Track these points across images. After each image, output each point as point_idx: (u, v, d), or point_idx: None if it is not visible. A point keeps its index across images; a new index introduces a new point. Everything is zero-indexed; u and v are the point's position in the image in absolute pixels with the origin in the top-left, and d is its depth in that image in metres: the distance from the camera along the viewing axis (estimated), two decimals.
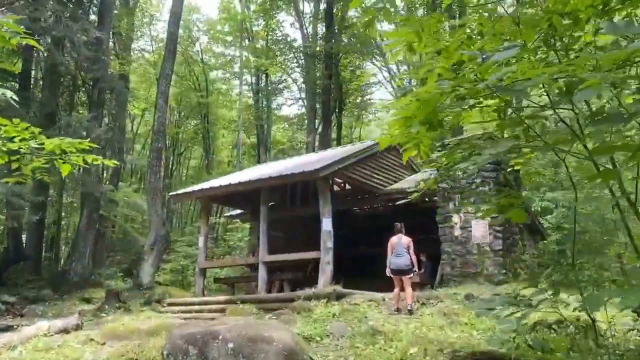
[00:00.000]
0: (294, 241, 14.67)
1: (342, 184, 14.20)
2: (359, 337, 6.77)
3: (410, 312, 9.04)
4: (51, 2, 15.85)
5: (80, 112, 19.53)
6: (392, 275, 9.49)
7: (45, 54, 17.42)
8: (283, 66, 31.91)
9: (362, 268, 13.73)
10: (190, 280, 21.82)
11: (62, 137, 3.76)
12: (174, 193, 13.24)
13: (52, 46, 15.74)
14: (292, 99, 35.09)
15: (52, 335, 9.92)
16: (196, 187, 12.75)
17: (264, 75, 33.98)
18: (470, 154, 4.89)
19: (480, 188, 10.98)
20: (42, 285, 17.34)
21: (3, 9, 15.10)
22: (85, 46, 16.38)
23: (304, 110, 34.65)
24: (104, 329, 10.40)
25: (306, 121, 33.70)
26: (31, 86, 18.28)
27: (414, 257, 9.41)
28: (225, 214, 18.62)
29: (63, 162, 3.75)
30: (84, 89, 20.94)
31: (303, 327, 7.81)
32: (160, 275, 21.56)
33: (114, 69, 23.28)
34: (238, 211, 15.78)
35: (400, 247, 9.53)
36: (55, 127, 16.10)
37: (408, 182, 12.93)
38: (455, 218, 11.21)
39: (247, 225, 22.09)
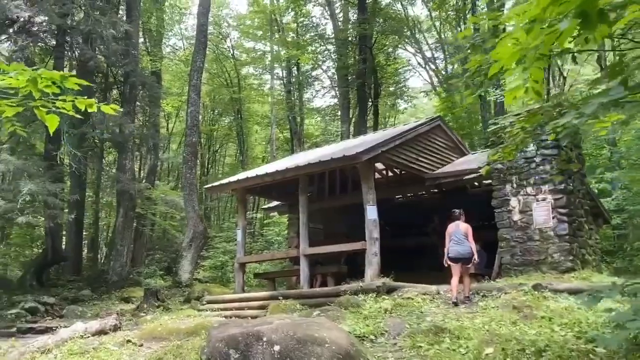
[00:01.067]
0: (333, 233, 13.93)
1: (385, 170, 13.36)
2: (420, 336, 5.96)
3: (468, 298, 8.28)
4: None
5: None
6: (450, 264, 8.73)
7: (77, 51, 17.18)
8: (314, 55, 31.17)
9: (404, 261, 12.88)
10: (230, 277, 21.39)
11: (35, 68, 2.95)
12: (210, 185, 12.65)
13: (82, 42, 15.41)
14: (325, 87, 34.31)
15: (89, 337, 9.49)
16: (232, 178, 12.13)
17: (296, 66, 33.37)
18: (559, 112, 4.03)
19: (541, 167, 9.97)
20: (82, 286, 17.18)
21: (33, 6, 14.86)
22: (115, 40, 16.01)
23: (335, 101, 34.11)
24: (142, 330, 9.95)
25: (339, 112, 33.08)
26: None
27: (473, 245, 8.59)
28: (263, 207, 18.02)
29: (47, 112, 3.00)
30: (116, 87, 20.68)
31: (354, 324, 7.07)
32: (199, 272, 21.24)
33: (146, 66, 23.04)
34: (275, 203, 15.13)
35: (459, 234, 8.73)
36: (87, 124, 15.81)
37: (456, 165, 11.99)
38: (514, 201, 10.23)
39: (285, 219, 21.58)
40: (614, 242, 17.82)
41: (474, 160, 11.86)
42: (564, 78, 30.85)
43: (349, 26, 25.75)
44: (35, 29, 15.42)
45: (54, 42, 16.91)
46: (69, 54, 17.27)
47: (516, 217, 10.16)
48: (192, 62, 18.94)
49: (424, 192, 14.75)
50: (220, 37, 35.56)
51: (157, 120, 22.58)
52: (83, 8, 16.54)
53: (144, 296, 14.03)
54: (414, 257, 13.70)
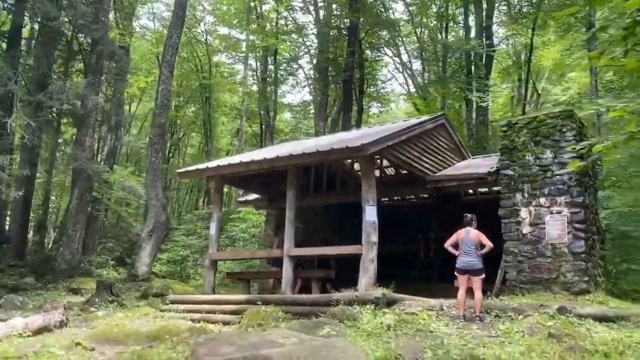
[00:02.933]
0: (313, 234, 12.75)
1: (377, 169, 12.24)
2: None
3: (479, 318, 7.34)
4: None
5: (76, 80, 17.44)
6: (458, 275, 7.78)
7: (39, 11, 15.38)
8: (293, 46, 29.83)
9: (390, 270, 11.84)
10: (190, 273, 19.86)
11: None
12: (184, 170, 11.21)
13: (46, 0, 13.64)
14: (301, 82, 33.11)
15: (29, 335, 7.99)
16: (210, 164, 10.75)
17: (273, 56, 32.06)
18: None
19: (558, 177, 9.09)
20: (24, 272, 15.32)
21: None
22: (84, 3, 14.35)
23: (309, 97, 33.15)
24: (93, 329, 8.55)
25: (312, 109, 31.97)
26: (21, 47, 16.17)
27: (489, 246, 7.75)
28: (239, 199, 16.58)
29: None
30: (80, 57, 18.81)
31: (358, 344, 5.90)
32: (155, 266, 19.60)
33: (114, 38, 21.22)
34: (253, 197, 13.70)
35: (468, 244, 7.78)
36: (46, 92, 14.06)
37: (459, 169, 11.02)
38: (524, 212, 9.30)
39: (253, 216, 20.17)
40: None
41: (479, 165, 10.92)
42: (538, 95, 30.96)
43: (334, 16, 24.50)
44: None
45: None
46: (31, 12, 15.41)
47: (526, 229, 9.24)
48: (168, 36, 17.40)
49: (412, 197, 13.81)
50: (195, 20, 33.83)
51: (123, 98, 20.76)
52: None
53: (96, 289, 12.44)
54: (400, 266, 12.68)
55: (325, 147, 8.78)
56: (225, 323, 8.92)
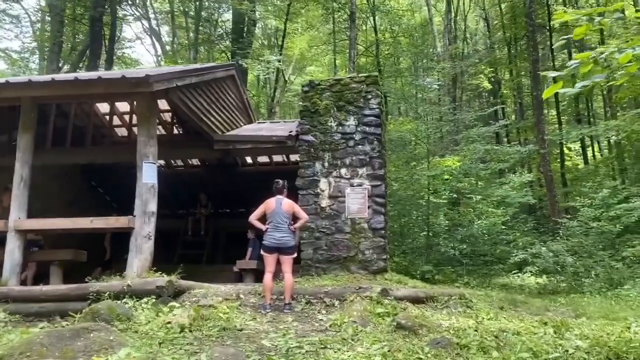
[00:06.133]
0: (39, 203, 9.55)
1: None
2: None
3: (290, 305, 6.05)
4: None
5: None
6: (265, 254, 6.26)
7: None
8: None
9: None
10: None
11: None
12: None
13: None
14: (23, 20, 27.00)
15: None
16: None
17: None
18: None
19: (360, 147, 8.30)
20: None
21: None
22: None
23: (34, 44, 27.57)
24: None
25: (37, 58, 26.42)
26: None
27: (304, 217, 6.46)
28: None
29: None
30: None
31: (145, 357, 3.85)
32: None
33: None
34: None
35: (280, 216, 6.29)
36: None
37: (251, 131, 9.37)
38: (324, 183, 8.27)
39: None
40: None
41: (273, 129, 9.47)
42: (285, 82, 31.72)
43: None
44: None
45: None
46: None
47: (325, 202, 8.24)
48: None
49: (181, 164, 11.76)
50: None
51: None
52: None
53: None
54: (161, 245, 10.51)
55: (90, 75, 6.16)
56: None
